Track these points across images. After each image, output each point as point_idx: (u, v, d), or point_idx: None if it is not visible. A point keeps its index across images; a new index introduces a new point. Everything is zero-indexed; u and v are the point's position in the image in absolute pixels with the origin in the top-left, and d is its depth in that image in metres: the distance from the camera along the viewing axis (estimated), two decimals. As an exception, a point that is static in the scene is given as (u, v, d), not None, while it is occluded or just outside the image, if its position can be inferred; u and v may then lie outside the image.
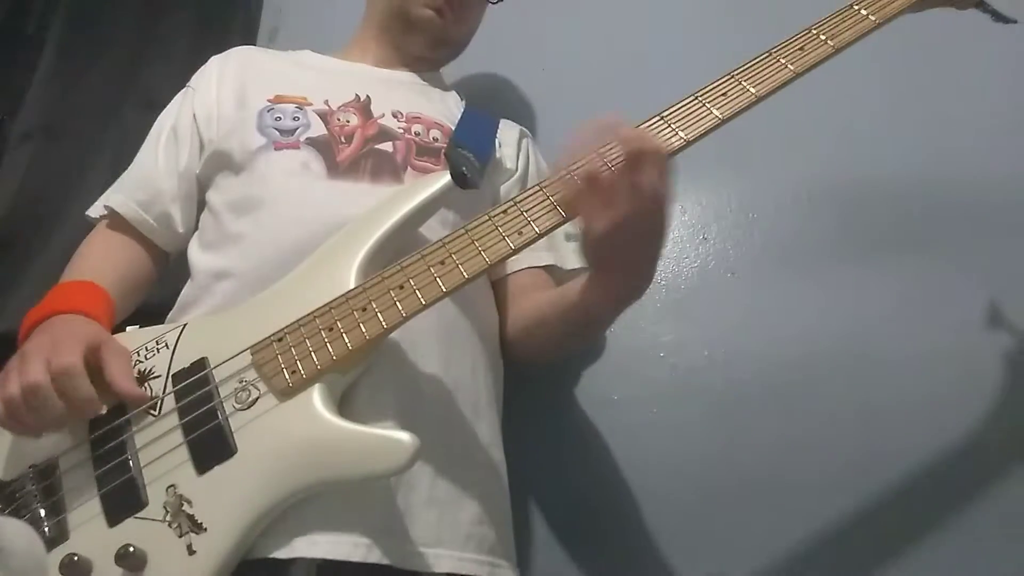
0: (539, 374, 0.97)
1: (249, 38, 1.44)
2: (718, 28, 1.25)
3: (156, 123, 0.97)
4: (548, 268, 0.96)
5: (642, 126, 0.71)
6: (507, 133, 1.02)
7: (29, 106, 1.23)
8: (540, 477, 1.00)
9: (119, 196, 0.91)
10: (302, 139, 0.86)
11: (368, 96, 0.93)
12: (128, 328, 0.80)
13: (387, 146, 0.88)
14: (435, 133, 0.92)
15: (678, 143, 0.69)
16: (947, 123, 1.10)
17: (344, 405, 0.71)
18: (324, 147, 0.86)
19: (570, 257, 0.97)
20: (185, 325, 0.76)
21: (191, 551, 0.62)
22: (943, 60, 1.10)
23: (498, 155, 0.97)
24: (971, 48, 1.08)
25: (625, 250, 0.69)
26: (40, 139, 1.19)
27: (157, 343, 0.74)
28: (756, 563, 0.94)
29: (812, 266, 1.07)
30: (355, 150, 0.87)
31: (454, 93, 1.06)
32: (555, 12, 1.34)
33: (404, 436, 0.63)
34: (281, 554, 0.65)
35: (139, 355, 0.74)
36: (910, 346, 0.99)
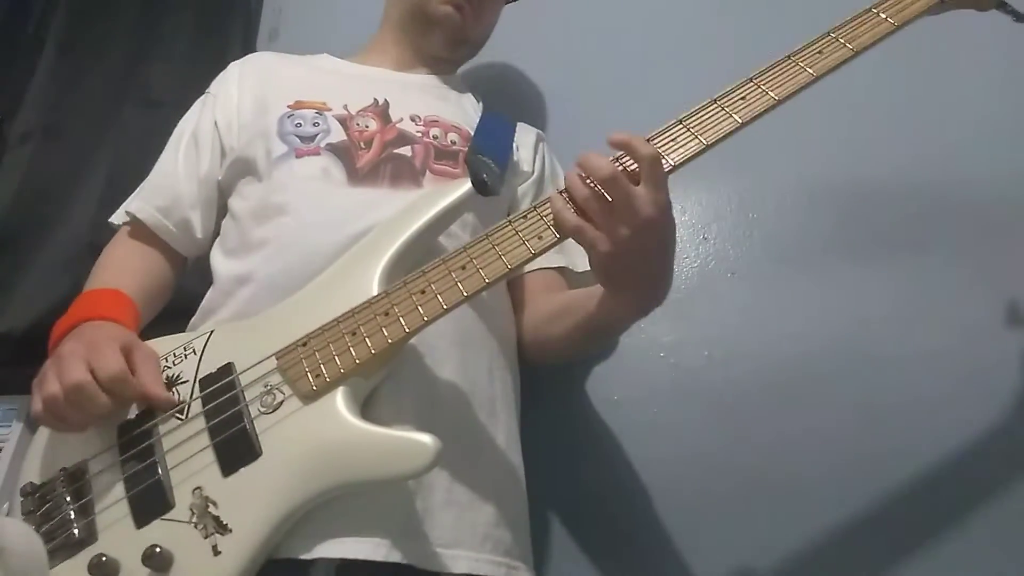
0: (539, 375, 0.97)
1: (249, 38, 1.44)
2: (723, 26, 1.25)
3: (176, 129, 0.98)
4: (560, 270, 0.97)
5: (661, 132, 0.71)
6: (524, 137, 1.03)
7: (29, 106, 1.23)
8: (539, 477, 1.00)
9: (139, 203, 0.93)
10: (322, 145, 0.87)
11: (386, 100, 0.94)
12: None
13: (406, 150, 0.89)
14: (453, 136, 0.93)
15: (696, 147, 0.70)
16: (947, 123, 1.10)
17: (365, 408, 0.71)
18: (344, 153, 0.87)
19: (581, 259, 0.97)
20: (212, 331, 0.77)
21: (216, 552, 0.63)
22: (943, 60, 1.10)
23: (515, 158, 0.99)
24: (971, 47, 1.08)
25: (635, 264, 0.70)
26: (40, 139, 1.19)
27: (185, 349, 0.76)
28: (756, 563, 0.94)
29: (812, 266, 1.07)
30: (374, 155, 0.88)
31: (470, 95, 1.07)
32: (560, 12, 1.34)
33: (426, 438, 0.63)
34: (302, 555, 0.66)
35: (167, 361, 0.75)
36: (910, 345, 0.99)
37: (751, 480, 0.97)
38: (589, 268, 0.95)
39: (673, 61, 1.24)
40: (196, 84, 1.21)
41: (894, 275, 1.04)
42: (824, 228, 1.09)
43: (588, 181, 0.68)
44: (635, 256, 0.69)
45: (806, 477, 0.95)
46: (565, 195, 0.70)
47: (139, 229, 0.92)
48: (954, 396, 0.96)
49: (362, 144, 0.88)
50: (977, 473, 0.93)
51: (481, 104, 1.06)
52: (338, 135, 0.89)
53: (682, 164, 0.70)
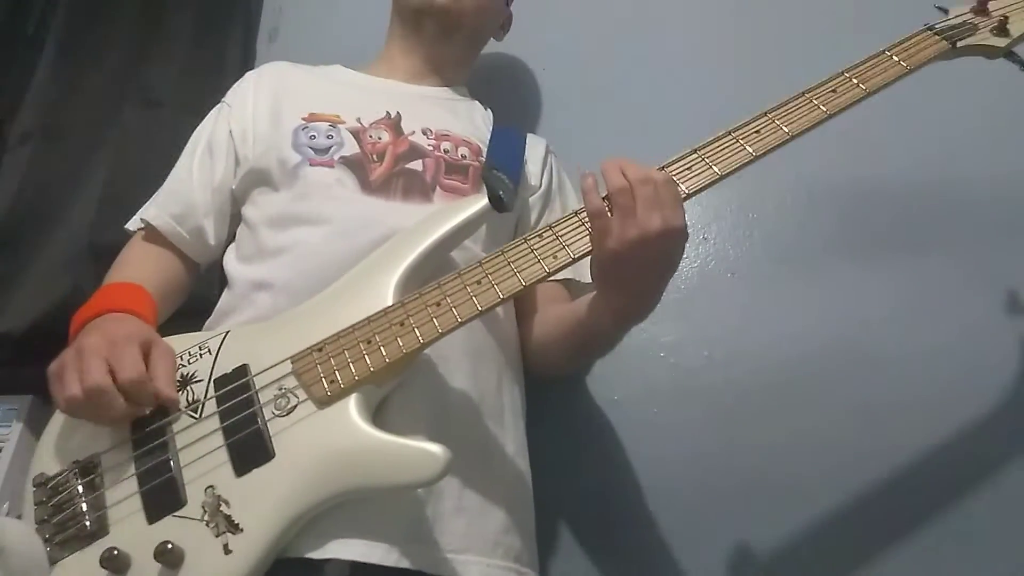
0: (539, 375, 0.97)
1: (249, 38, 1.43)
2: (718, 29, 1.25)
3: (192, 137, 0.99)
4: (566, 282, 0.98)
5: (677, 161, 0.74)
6: (533, 150, 1.04)
7: (29, 106, 1.23)
8: (539, 477, 1.00)
9: (155, 210, 0.94)
10: (336, 157, 0.89)
11: (399, 113, 0.96)
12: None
13: (417, 165, 0.91)
14: (463, 151, 0.95)
15: (711, 176, 0.73)
16: (947, 123, 1.10)
17: (377, 416, 0.72)
18: (357, 166, 0.89)
19: (587, 272, 0.98)
20: (228, 332, 0.78)
21: (227, 550, 0.64)
22: (943, 60, 1.10)
23: (525, 171, 1.00)
24: (971, 48, 1.08)
25: (631, 272, 0.72)
26: (40, 139, 1.19)
27: (200, 348, 0.77)
28: (756, 562, 0.94)
29: (812, 266, 1.07)
30: (387, 169, 0.89)
31: (480, 106, 1.08)
32: (557, 12, 1.34)
33: (437, 449, 0.64)
34: (313, 554, 0.66)
35: (182, 359, 0.76)
36: (909, 346, 0.99)
37: (751, 480, 0.97)
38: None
39: (676, 64, 1.24)
40: (196, 85, 1.21)
41: (894, 275, 1.04)
42: (824, 228, 1.09)
43: (623, 174, 0.70)
44: (636, 265, 0.71)
45: (806, 477, 0.96)
46: (593, 179, 0.73)
47: (154, 235, 0.94)
48: (954, 395, 0.96)
49: (374, 157, 0.90)
50: (977, 472, 0.93)
51: (490, 113, 1.07)
52: (351, 148, 0.90)
53: (696, 192, 0.73)
